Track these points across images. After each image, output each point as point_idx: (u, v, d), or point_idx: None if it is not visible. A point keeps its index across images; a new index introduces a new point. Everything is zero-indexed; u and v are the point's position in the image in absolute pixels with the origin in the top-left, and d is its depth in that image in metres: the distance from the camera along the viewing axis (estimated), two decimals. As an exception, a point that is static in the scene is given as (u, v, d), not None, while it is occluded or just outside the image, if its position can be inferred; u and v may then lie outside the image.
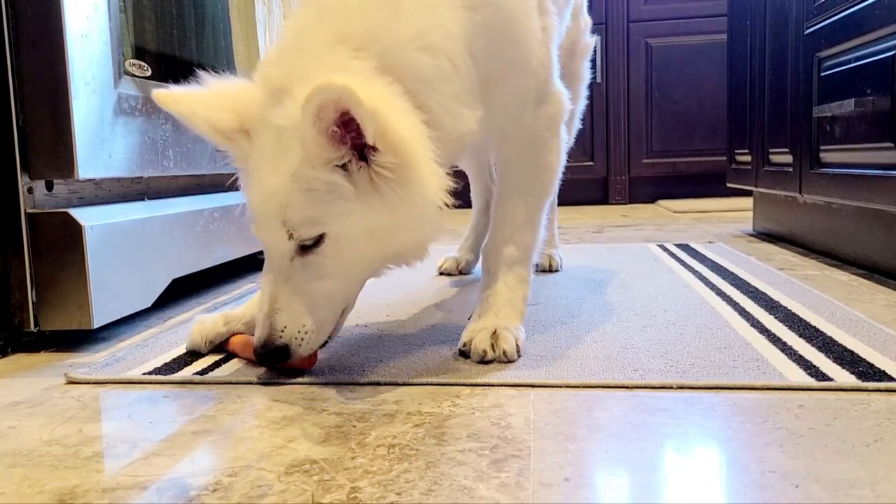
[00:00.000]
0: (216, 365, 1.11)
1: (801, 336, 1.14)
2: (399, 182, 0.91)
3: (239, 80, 1.03)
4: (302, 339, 0.98)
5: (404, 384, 1.00)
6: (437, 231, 0.99)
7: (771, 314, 1.29)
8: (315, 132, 0.87)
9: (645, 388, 0.95)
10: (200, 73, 1.01)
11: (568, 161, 1.42)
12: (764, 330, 1.19)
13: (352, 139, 0.89)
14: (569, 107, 1.23)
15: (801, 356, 1.04)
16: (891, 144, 1.49)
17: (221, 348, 1.18)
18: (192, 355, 1.16)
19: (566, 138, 1.28)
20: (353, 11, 0.96)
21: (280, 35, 1.03)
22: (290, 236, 0.93)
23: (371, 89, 0.87)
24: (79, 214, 1.21)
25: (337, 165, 0.91)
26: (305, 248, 0.95)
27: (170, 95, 1.00)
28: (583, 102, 1.85)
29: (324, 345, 1.03)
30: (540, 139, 1.20)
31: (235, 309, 1.22)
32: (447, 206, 0.94)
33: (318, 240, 0.94)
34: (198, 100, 0.98)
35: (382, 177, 0.91)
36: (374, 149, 0.89)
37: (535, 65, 1.13)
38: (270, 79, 0.96)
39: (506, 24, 1.07)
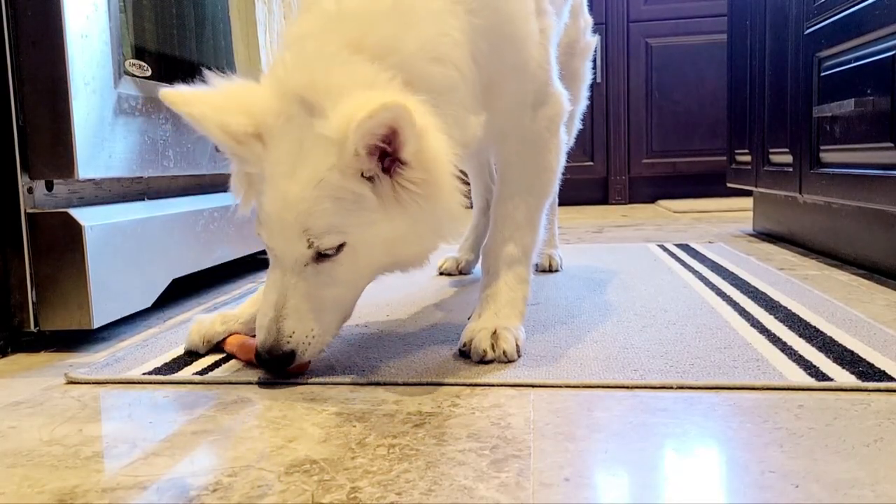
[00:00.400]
0: (216, 365, 1.11)
1: (801, 336, 1.14)
2: (424, 196, 0.92)
3: (247, 82, 1.01)
4: (308, 345, 0.98)
5: (404, 384, 1.00)
6: (444, 240, 1.01)
7: (771, 314, 1.29)
8: (360, 146, 0.88)
9: (645, 388, 0.95)
10: (206, 72, 0.99)
11: (568, 161, 1.42)
12: (764, 330, 1.19)
13: (380, 151, 0.90)
14: (568, 108, 1.23)
15: (801, 356, 1.04)
16: (891, 144, 1.49)
17: (219, 348, 1.18)
18: (191, 355, 1.16)
19: (566, 139, 1.28)
20: (361, 20, 0.96)
21: (287, 41, 1.02)
22: (310, 245, 0.93)
23: (417, 108, 0.89)
24: (79, 214, 1.21)
25: (364, 177, 0.92)
26: (322, 256, 0.95)
27: (179, 96, 0.97)
28: (584, 103, 1.85)
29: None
30: (539, 140, 1.20)
31: (234, 309, 1.22)
32: (463, 217, 0.97)
33: (337, 248, 0.94)
34: (208, 101, 0.96)
35: (407, 190, 0.92)
36: (403, 163, 0.90)
37: (533, 67, 1.14)
38: (290, 84, 0.94)
39: (505, 26, 1.07)
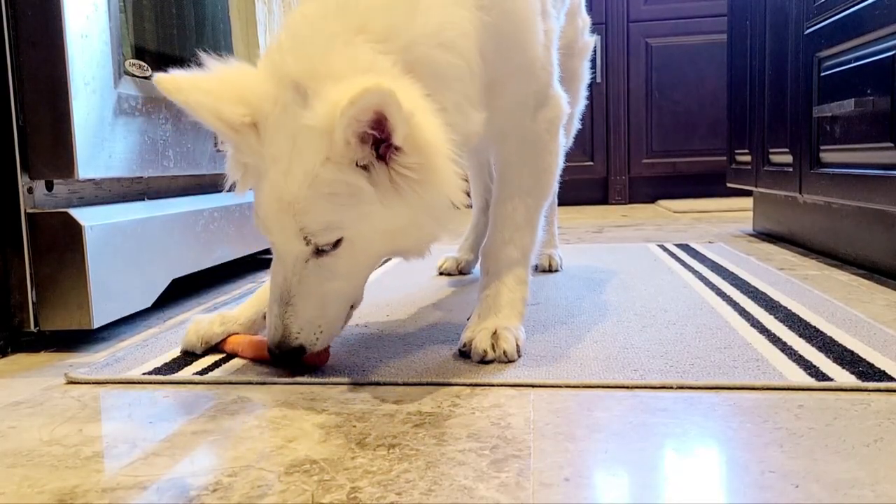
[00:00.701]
0: (216, 365, 1.11)
1: (801, 336, 1.14)
2: (421, 182, 0.91)
3: (244, 66, 0.99)
4: (316, 339, 0.99)
5: (404, 384, 1.00)
6: (446, 229, 0.99)
7: (771, 314, 1.29)
8: (348, 134, 0.86)
9: (645, 388, 0.95)
10: (202, 55, 0.96)
11: (568, 161, 1.42)
12: (764, 330, 1.19)
13: (373, 138, 0.89)
14: (567, 110, 1.24)
15: (801, 356, 1.04)
16: (891, 144, 1.49)
17: (217, 349, 1.17)
18: (191, 355, 1.16)
19: (564, 141, 1.29)
20: (368, 3, 0.95)
21: (289, 21, 1.00)
22: (307, 242, 0.93)
23: (405, 91, 0.87)
24: (79, 214, 1.21)
25: (359, 165, 0.91)
26: (321, 251, 0.95)
27: (173, 82, 0.94)
28: (582, 103, 1.85)
29: None
30: (539, 141, 1.20)
31: (232, 310, 1.22)
32: (463, 205, 0.95)
33: (336, 243, 0.94)
34: (204, 88, 0.94)
35: (403, 177, 0.91)
36: (397, 149, 0.89)
37: (537, 68, 1.14)
38: (286, 70, 0.92)
39: (512, 26, 1.07)
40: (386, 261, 1.97)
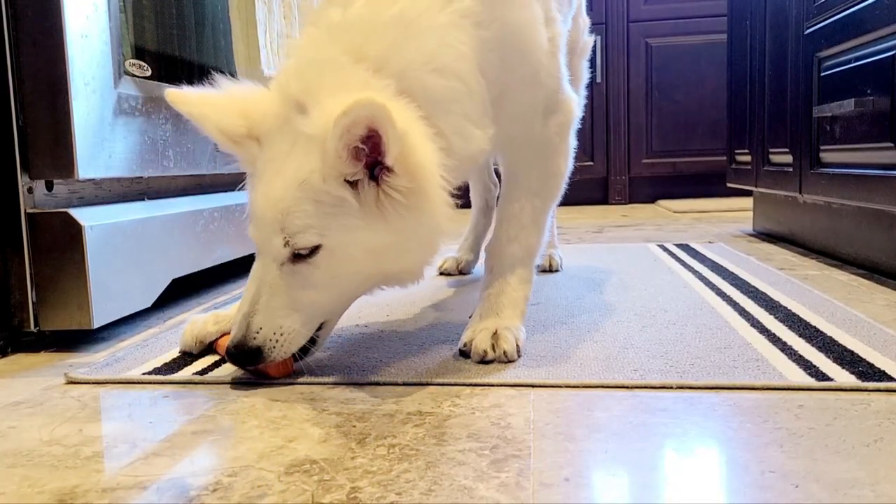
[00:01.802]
0: (216, 365, 1.11)
1: (801, 336, 1.14)
2: (408, 206, 0.92)
3: (254, 86, 1.03)
4: (276, 343, 0.97)
5: (404, 384, 1.00)
6: (434, 256, 1.00)
7: (771, 314, 1.29)
8: (340, 145, 0.87)
9: (645, 388, 0.95)
10: (215, 75, 1.01)
11: (571, 162, 1.41)
12: (764, 330, 1.19)
13: (366, 156, 0.90)
14: (579, 114, 1.24)
15: (801, 356, 1.04)
16: (891, 144, 1.49)
17: (213, 349, 1.17)
18: (190, 355, 1.16)
19: (575, 143, 1.28)
20: (365, 31, 0.96)
21: (293, 52, 1.04)
22: (286, 243, 0.94)
23: (399, 111, 0.88)
24: (79, 214, 1.21)
25: (347, 181, 0.91)
26: (298, 257, 0.95)
27: (182, 95, 1.00)
28: (582, 102, 1.85)
29: (303, 357, 1.02)
30: (550, 144, 1.20)
31: (228, 310, 1.21)
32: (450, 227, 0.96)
33: (313, 250, 0.94)
34: (209, 102, 0.99)
35: (391, 199, 0.91)
36: (388, 170, 0.90)
37: (543, 76, 1.13)
38: (289, 89, 0.96)
39: (513, 38, 1.06)
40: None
